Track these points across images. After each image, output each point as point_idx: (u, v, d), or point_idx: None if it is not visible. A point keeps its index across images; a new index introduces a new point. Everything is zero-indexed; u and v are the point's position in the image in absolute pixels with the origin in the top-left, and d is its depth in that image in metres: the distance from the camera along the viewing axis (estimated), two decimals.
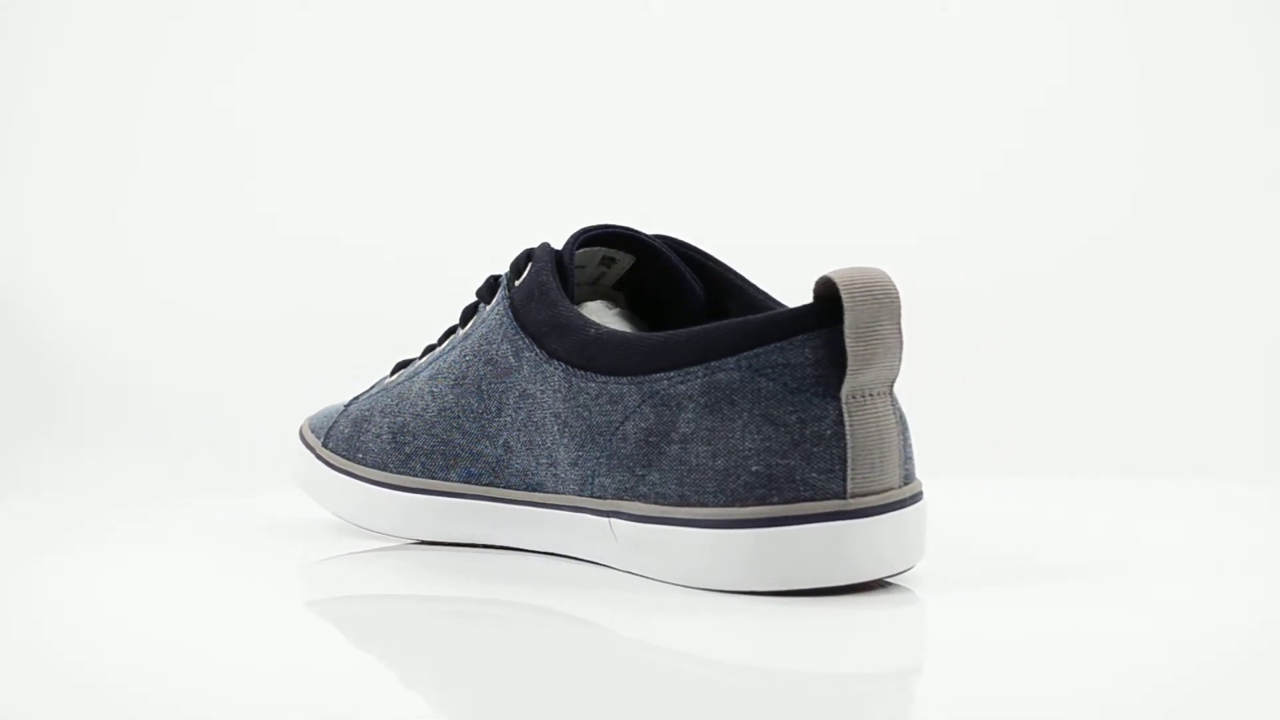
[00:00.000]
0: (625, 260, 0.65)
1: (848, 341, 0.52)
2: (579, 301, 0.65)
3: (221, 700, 0.44)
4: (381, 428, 0.67)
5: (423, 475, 0.65)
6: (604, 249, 0.64)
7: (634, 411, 0.56)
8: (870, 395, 0.54)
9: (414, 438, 0.65)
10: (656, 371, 0.56)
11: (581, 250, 0.63)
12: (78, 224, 1.20)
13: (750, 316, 0.55)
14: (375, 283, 1.17)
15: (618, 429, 0.57)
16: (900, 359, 0.54)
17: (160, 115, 1.22)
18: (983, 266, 1.15)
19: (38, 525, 0.78)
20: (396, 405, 0.67)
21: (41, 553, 0.70)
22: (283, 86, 1.22)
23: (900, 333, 0.53)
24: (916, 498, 0.55)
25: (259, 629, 0.53)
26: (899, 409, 0.55)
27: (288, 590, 0.61)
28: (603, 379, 0.57)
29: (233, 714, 0.43)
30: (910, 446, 0.56)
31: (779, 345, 0.53)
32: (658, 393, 0.56)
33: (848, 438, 0.53)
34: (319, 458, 0.69)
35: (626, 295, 0.67)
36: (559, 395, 0.59)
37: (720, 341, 0.54)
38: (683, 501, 0.55)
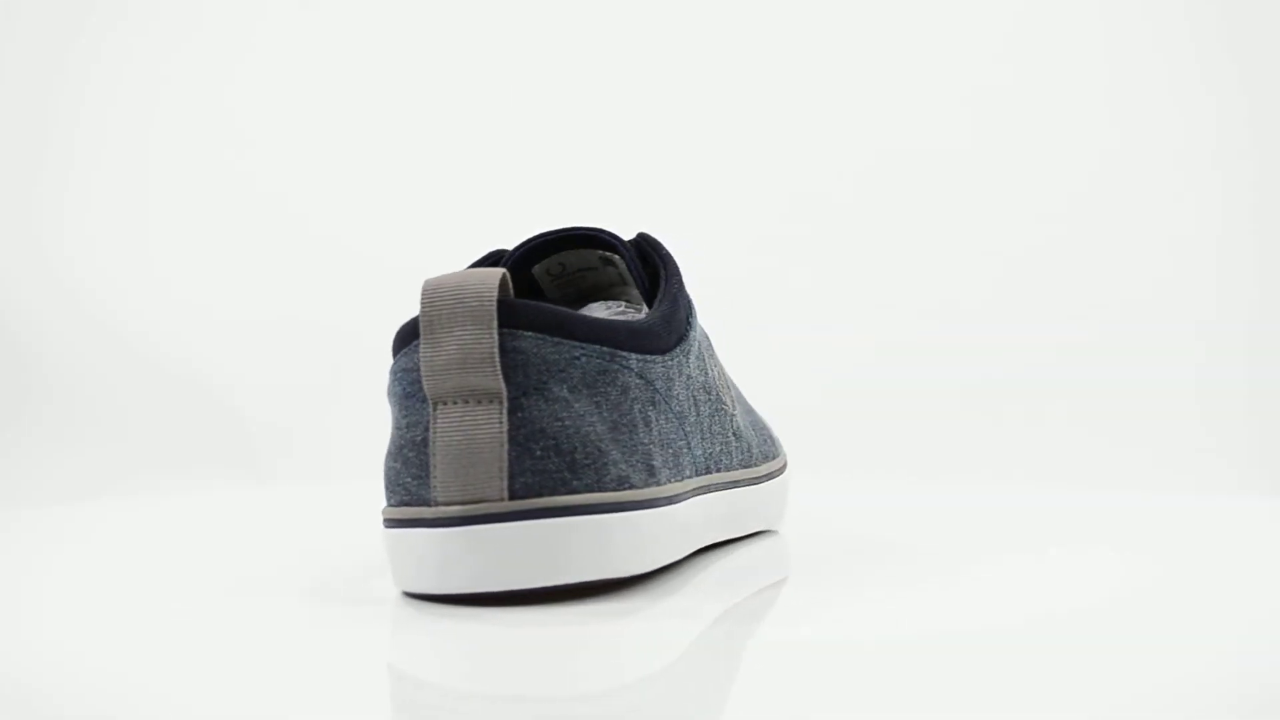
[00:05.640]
0: (619, 259, 0.66)
1: (421, 346, 0.51)
2: (588, 302, 0.66)
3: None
4: None
5: None
6: (597, 250, 0.65)
7: None
8: (462, 403, 0.51)
9: None
10: None
11: (574, 251, 0.64)
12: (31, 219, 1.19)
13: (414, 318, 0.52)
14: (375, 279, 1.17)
15: None
16: (494, 367, 0.50)
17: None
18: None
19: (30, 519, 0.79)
20: None
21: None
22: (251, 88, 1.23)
23: (490, 340, 0.50)
24: (546, 513, 0.50)
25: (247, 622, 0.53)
26: (531, 419, 0.51)
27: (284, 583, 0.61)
28: None
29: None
30: (557, 458, 0.51)
31: (406, 349, 0.52)
32: None
33: (432, 444, 0.51)
34: None
35: None
36: None
37: (396, 345, 0.53)
38: None
